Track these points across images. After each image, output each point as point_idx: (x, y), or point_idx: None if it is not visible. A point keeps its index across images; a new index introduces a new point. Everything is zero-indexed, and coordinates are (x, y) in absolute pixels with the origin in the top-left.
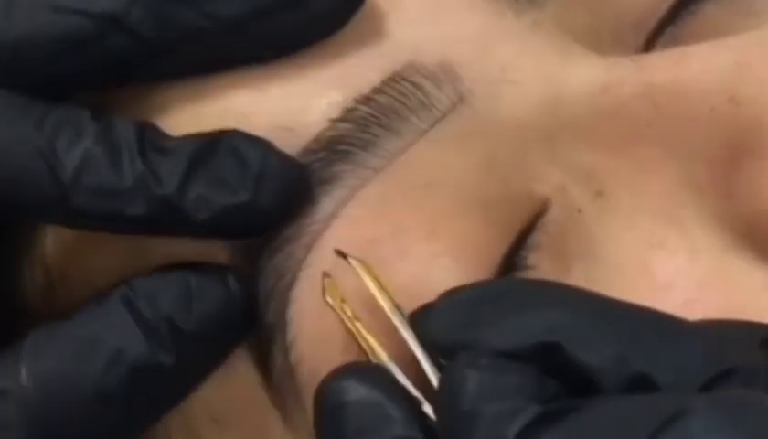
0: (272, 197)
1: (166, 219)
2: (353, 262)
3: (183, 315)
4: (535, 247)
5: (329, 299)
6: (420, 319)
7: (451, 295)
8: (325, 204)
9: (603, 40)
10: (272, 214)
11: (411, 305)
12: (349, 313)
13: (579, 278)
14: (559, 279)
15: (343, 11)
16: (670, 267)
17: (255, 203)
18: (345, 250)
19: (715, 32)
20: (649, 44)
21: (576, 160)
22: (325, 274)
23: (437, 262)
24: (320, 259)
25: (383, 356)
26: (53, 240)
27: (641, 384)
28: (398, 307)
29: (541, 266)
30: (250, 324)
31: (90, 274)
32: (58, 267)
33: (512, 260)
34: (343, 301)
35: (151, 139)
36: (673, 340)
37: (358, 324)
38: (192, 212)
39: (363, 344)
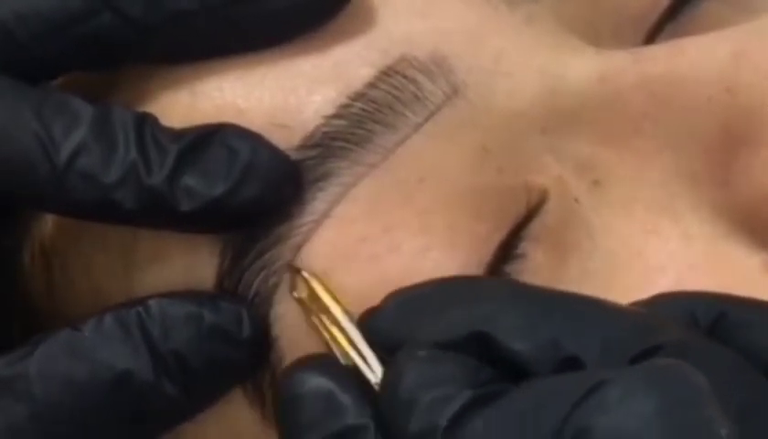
0: (258, 188)
1: (155, 209)
2: (305, 274)
3: (192, 353)
4: (531, 238)
5: (295, 294)
6: (366, 321)
7: (393, 297)
8: (319, 203)
9: (602, 35)
10: (258, 206)
11: None
12: (315, 307)
13: (574, 267)
14: (554, 269)
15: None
16: (664, 252)
17: (241, 194)
18: (334, 251)
19: (715, 29)
20: (649, 40)
21: (573, 150)
22: (292, 268)
23: (428, 256)
24: (307, 261)
25: (345, 345)
26: (52, 228)
27: (572, 366)
28: (348, 313)
29: (536, 256)
30: (257, 367)
31: (88, 263)
32: (57, 256)
33: (506, 251)
34: (311, 296)
35: (148, 130)
36: (601, 322)
37: (324, 316)
38: (179, 203)
39: (326, 335)
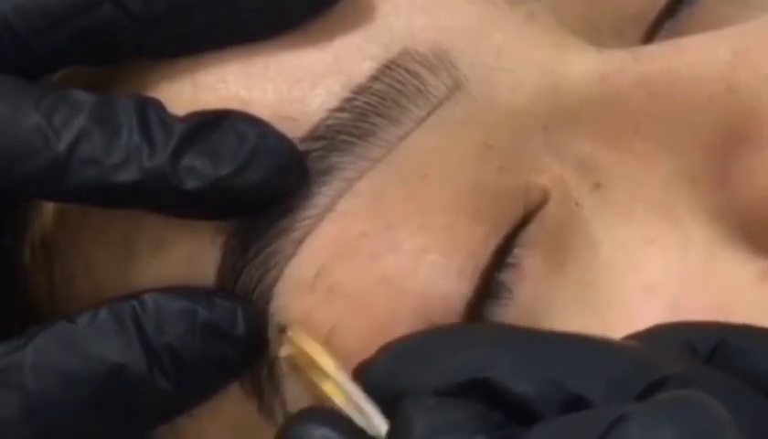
0: (264, 172)
1: (158, 188)
2: (291, 333)
3: (185, 348)
4: (528, 243)
5: (283, 352)
6: (363, 373)
7: (389, 347)
8: (322, 197)
9: (602, 33)
10: (263, 190)
11: (399, 299)
12: (305, 362)
13: (573, 275)
14: (552, 276)
15: None
16: (660, 266)
17: (247, 177)
18: (335, 246)
19: (714, 25)
20: (648, 38)
21: (574, 151)
22: (280, 329)
23: (426, 259)
24: (308, 256)
25: (340, 401)
26: (52, 223)
27: (577, 406)
28: (341, 368)
29: (533, 264)
30: (251, 364)
31: (89, 258)
32: (57, 251)
33: (502, 257)
34: (300, 352)
35: (153, 113)
36: (603, 358)
37: (313, 372)
38: (184, 182)
39: (320, 393)
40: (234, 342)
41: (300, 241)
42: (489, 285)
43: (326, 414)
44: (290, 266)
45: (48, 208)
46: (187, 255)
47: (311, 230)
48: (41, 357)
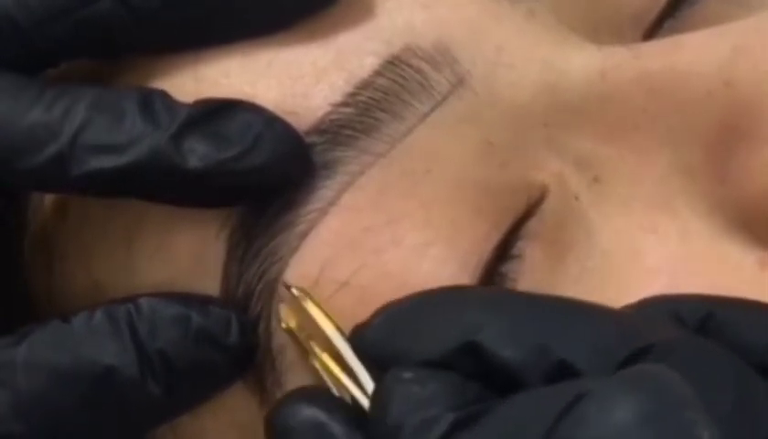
0: (268, 156)
1: (159, 168)
2: (294, 291)
3: (177, 354)
4: (529, 236)
5: (284, 325)
6: (357, 337)
7: (382, 311)
8: (326, 191)
9: (601, 33)
10: (266, 175)
11: (402, 293)
12: (304, 336)
13: (573, 266)
14: (553, 268)
15: None
16: (660, 252)
17: (250, 159)
18: (339, 240)
19: (714, 25)
20: (648, 37)
21: (573, 146)
22: (286, 287)
23: (429, 253)
24: (312, 250)
25: (337, 372)
26: (53, 220)
27: (564, 372)
28: (340, 330)
29: (534, 255)
30: (242, 373)
31: (89, 255)
32: (57, 248)
33: (506, 248)
34: (300, 326)
35: (158, 100)
36: (591, 325)
37: (313, 343)
38: (185, 161)
39: (317, 365)
40: (226, 351)
41: (304, 235)
42: (492, 277)
43: (316, 394)
44: (294, 260)
45: (49, 203)
46: (192, 250)
47: (315, 223)
48: (34, 355)
